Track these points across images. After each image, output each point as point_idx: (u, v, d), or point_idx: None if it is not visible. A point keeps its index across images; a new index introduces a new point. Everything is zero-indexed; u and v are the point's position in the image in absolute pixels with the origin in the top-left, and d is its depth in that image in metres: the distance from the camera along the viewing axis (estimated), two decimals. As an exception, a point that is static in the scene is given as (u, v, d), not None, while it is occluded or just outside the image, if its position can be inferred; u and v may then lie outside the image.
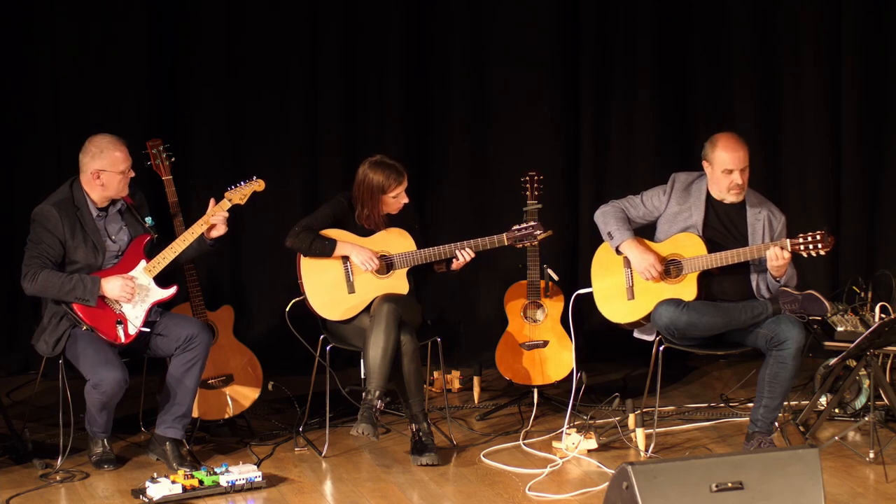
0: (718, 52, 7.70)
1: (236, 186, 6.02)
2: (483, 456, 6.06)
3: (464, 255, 6.12)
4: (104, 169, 5.77)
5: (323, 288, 6.14)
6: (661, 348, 6.05)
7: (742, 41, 7.68)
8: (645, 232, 6.24)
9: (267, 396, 6.61)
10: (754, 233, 6.06)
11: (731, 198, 6.07)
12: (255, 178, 6.07)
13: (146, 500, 5.43)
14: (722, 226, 6.09)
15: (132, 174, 5.86)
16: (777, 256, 5.87)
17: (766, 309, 5.96)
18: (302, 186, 7.50)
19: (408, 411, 6.06)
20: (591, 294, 6.28)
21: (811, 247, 5.86)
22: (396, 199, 6.14)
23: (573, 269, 7.55)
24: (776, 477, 4.32)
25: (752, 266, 6.05)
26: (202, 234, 5.91)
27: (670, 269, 6.09)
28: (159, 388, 6.00)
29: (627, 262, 6.15)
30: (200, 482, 5.53)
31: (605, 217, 6.20)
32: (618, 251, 6.16)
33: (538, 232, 6.20)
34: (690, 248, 6.06)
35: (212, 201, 5.96)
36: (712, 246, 6.03)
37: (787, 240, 5.92)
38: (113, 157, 5.78)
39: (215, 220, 5.90)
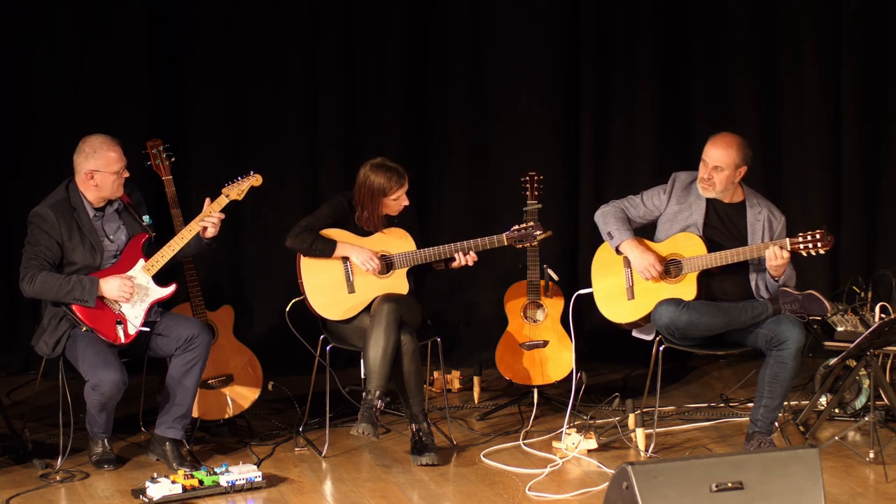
0: (718, 53, 7.70)
1: (233, 182, 6.02)
2: (483, 456, 6.06)
3: (467, 258, 6.12)
4: (98, 169, 5.77)
5: (323, 288, 6.14)
6: (661, 348, 6.05)
7: (742, 41, 7.68)
8: (645, 232, 6.24)
9: (267, 396, 6.61)
10: (754, 232, 6.06)
11: (700, 189, 6.08)
12: (251, 172, 6.06)
13: (146, 500, 5.43)
14: (722, 225, 6.10)
15: (127, 174, 5.85)
16: (776, 256, 5.87)
17: (766, 309, 5.96)
18: (302, 186, 7.50)
19: (408, 411, 6.06)
20: (591, 294, 6.28)
21: (811, 246, 5.86)
22: (397, 201, 6.15)
23: (573, 269, 7.55)
24: (776, 477, 4.32)
25: (751, 266, 6.05)
26: (198, 233, 5.92)
27: (670, 268, 6.09)
28: (159, 389, 6.00)
29: (627, 262, 6.15)
30: (200, 482, 5.53)
31: (605, 217, 6.21)
32: (618, 251, 6.16)
33: (538, 232, 6.20)
34: (690, 247, 6.06)
35: (207, 201, 5.96)
36: (712, 245, 6.04)
37: (787, 239, 5.92)
38: (107, 158, 5.78)
39: (206, 222, 5.89)
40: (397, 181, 6.12)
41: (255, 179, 6.05)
